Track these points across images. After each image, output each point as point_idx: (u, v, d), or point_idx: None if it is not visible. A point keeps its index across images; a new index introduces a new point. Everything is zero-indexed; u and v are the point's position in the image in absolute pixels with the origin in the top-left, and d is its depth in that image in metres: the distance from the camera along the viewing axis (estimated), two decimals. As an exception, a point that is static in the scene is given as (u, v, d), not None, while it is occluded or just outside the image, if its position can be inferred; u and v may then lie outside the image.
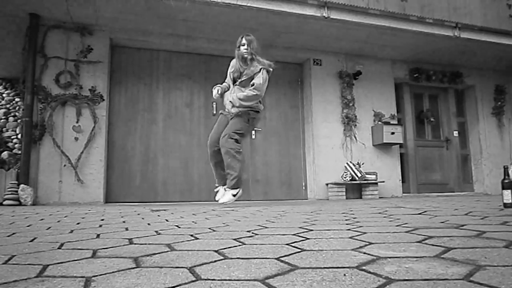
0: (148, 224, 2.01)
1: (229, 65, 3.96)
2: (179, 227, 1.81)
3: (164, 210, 3.18)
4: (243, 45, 3.71)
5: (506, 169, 2.50)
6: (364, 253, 1.04)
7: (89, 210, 3.26)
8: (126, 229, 1.79)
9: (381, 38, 6.13)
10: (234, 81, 3.83)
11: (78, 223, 2.08)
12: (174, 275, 0.87)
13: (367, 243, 1.18)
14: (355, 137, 6.52)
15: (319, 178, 6.21)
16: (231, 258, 1.03)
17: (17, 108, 5.39)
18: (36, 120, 5.06)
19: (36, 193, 4.93)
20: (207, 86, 6.20)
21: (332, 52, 6.59)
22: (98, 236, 1.55)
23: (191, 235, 1.50)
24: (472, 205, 2.85)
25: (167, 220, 2.21)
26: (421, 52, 6.79)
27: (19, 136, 5.16)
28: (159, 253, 1.14)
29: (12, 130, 5.33)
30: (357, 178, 6.08)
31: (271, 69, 3.78)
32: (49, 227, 1.90)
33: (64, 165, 5.08)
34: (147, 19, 5.34)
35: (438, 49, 6.65)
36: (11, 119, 5.40)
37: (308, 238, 1.33)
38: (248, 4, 5.00)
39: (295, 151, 6.47)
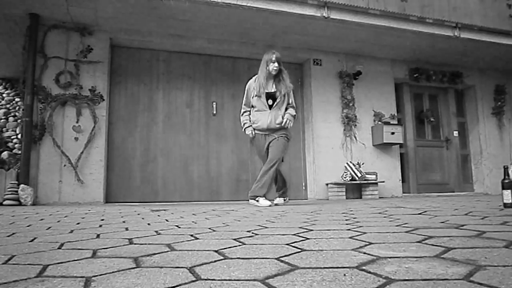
0: (148, 224, 2.01)
1: (245, 87, 4.05)
2: (179, 227, 1.81)
3: (164, 210, 3.18)
4: (274, 62, 3.79)
5: (506, 169, 2.50)
6: (364, 253, 1.04)
7: (89, 210, 3.26)
8: (126, 229, 1.79)
9: (381, 38, 6.13)
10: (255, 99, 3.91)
11: (78, 223, 2.08)
12: (174, 275, 0.87)
13: (367, 243, 1.18)
14: (355, 137, 6.52)
15: (319, 178, 6.21)
16: (231, 258, 1.03)
17: (17, 108, 5.38)
18: (36, 120, 5.06)
19: (36, 193, 4.92)
20: (207, 86, 6.21)
21: (332, 52, 6.59)
22: (98, 236, 1.55)
23: (191, 235, 1.50)
24: (472, 205, 2.85)
25: (167, 220, 2.21)
26: (421, 52, 6.78)
27: (19, 136, 5.16)
28: (159, 253, 1.14)
29: (12, 130, 5.32)
30: (357, 178, 6.08)
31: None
32: (49, 227, 1.90)
33: (64, 165, 5.08)
34: (147, 19, 5.34)
35: (438, 49, 6.64)
36: (11, 119, 5.40)
37: (308, 238, 1.33)
38: (248, 4, 5.00)
39: (295, 151, 6.47)
